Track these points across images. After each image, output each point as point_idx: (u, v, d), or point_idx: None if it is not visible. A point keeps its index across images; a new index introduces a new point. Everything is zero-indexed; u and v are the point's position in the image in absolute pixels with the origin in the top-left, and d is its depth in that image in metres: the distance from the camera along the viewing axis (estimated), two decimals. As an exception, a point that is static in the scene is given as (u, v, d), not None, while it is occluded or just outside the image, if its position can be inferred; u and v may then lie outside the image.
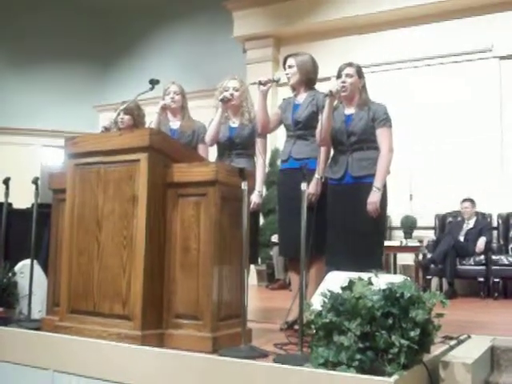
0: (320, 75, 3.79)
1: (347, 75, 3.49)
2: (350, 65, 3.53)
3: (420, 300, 2.14)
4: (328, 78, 7.08)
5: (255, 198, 3.62)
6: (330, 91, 3.36)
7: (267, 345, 2.75)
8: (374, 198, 3.33)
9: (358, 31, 7.85)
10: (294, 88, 3.74)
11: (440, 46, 7.36)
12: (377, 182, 3.35)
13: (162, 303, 2.78)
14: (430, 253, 6.47)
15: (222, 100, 3.70)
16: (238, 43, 8.80)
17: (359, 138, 3.44)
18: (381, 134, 3.44)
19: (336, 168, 3.51)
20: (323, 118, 3.36)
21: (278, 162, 3.90)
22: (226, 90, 3.78)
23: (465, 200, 6.64)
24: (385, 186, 3.42)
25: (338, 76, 3.52)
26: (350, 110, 3.54)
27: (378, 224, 3.41)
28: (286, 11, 8.22)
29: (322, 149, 3.53)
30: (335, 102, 3.51)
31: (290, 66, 3.68)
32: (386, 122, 3.46)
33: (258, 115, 3.65)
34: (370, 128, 3.45)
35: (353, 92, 3.51)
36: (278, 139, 6.89)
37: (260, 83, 3.52)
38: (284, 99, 3.87)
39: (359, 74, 3.53)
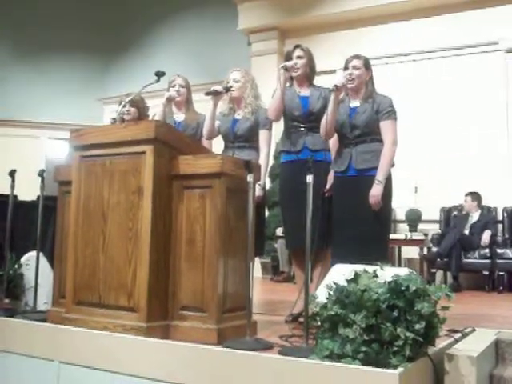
0: (325, 68, 3.79)
1: (354, 67, 3.47)
2: (357, 57, 3.51)
3: (425, 293, 2.14)
4: (333, 71, 7.10)
5: (256, 191, 3.55)
6: (336, 85, 3.34)
7: (272, 337, 2.76)
8: (375, 192, 3.32)
9: (364, 24, 7.82)
10: (294, 79, 3.68)
11: (444, 39, 7.33)
12: (379, 175, 3.33)
13: (167, 295, 2.79)
14: (434, 246, 6.47)
15: (208, 94, 3.62)
16: (243, 36, 8.78)
17: (362, 131, 3.42)
18: (385, 126, 3.42)
19: (340, 161, 3.49)
20: (328, 112, 3.34)
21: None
22: (228, 82, 3.76)
23: (466, 194, 6.62)
24: (390, 179, 3.40)
25: (345, 68, 3.51)
26: (355, 103, 3.52)
27: (382, 217, 3.38)
28: (291, 3, 8.20)
29: (332, 142, 3.52)
30: (341, 95, 3.48)
31: (299, 57, 3.63)
32: (391, 114, 3.44)
33: (277, 102, 3.55)
34: (374, 121, 3.42)
35: (359, 84, 3.49)
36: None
37: (286, 68, 3.49)
38: None
39: (366, 66, 3.50)
